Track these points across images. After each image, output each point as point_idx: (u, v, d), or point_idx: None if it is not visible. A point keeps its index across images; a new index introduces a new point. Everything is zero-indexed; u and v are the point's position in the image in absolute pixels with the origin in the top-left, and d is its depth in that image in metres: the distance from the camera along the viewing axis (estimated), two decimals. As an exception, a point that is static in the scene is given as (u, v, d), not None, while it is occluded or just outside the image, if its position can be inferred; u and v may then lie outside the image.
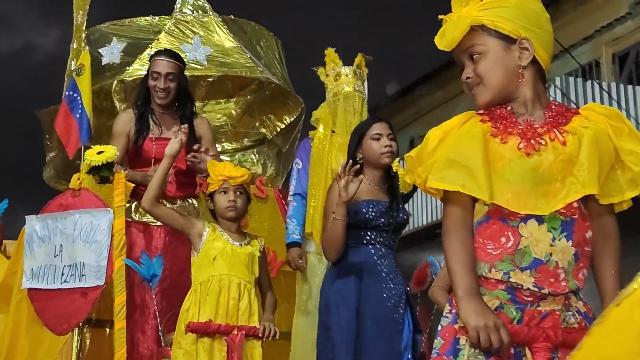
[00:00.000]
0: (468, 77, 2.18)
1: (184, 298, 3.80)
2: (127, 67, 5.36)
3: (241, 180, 3.91)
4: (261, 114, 6.04)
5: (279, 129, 6.05)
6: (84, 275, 4.10)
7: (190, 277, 3.86)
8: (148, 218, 4.29)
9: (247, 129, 6.06)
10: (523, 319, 2.05)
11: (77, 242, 4.16)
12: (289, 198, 4.53)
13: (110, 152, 4.06)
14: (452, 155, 2.06)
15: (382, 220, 3.77)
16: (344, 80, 4.71)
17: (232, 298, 3.71)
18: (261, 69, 5.53)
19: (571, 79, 10.50)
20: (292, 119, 6.00)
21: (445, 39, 2.16)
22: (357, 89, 4.71)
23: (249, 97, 5.93)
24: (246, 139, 6.17)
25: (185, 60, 4.77)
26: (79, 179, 4.35)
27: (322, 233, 3.79)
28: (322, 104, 4.74)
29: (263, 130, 6.05)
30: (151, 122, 4.43)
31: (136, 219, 4.34)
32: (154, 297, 3.93)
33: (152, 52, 5.22)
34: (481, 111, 2.17)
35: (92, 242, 4.12)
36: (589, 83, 10.44)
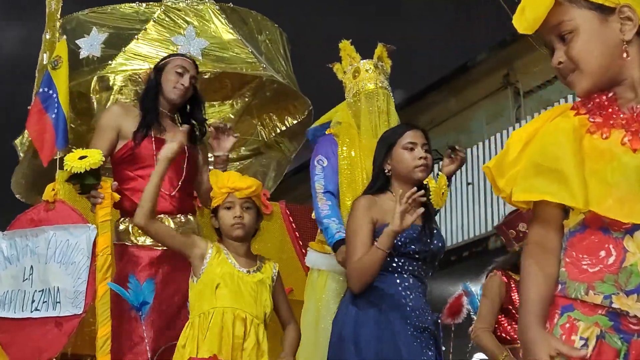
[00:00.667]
0: (560, 62, 2.05)
1: (182, 330, 3.72)
2: (110, 62, 5.23)
3: (249, 193, 3.83)
4: (261, 113, 5.98)
5: (278, 130, 5.99)
6: (59, 302, 4.06)
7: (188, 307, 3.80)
8: (152, 241, 4.18)
9: (245, 135, 5.96)
10: (630, 352, 1.93)
11: (51, 263, 4.13)
12: (319, 196, 4.42)
13: (94, 156, 3.96)
14: (539, 159, 1.96)
15: (413, 247, 3.69)
16: (364, 77, 4.64)
17: (237, 336, 3.61)
18: (264, 66, 5.44)
19: None
20: (296, 122, 5.93)
21: (526, 19, 2.03)
22: (380, 85, 4.64)
23: (247, 97, 5.87)
24: (243, 148, 6.12)
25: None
26: (53, 189, 4.29)
27: (350, 258, 3.68)
28: (340, 106, 4.71)
29: (261, 130, 5.99)
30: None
31: (133, 243, 4.23)
32: (144, 328, 3.82)
33: (140, 45, 5.18)
34: (577, 100, 2.04)
35: (68, 264, 4.08)
36: None
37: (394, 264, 3.68)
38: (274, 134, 6.00)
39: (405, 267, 3.68)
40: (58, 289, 4.05)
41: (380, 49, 4.76)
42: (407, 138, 3.83)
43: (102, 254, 3.96)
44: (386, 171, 3.82)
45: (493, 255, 4.94)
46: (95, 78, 5.39)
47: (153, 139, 4.27)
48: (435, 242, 3.77)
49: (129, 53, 5.23)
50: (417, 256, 3.70)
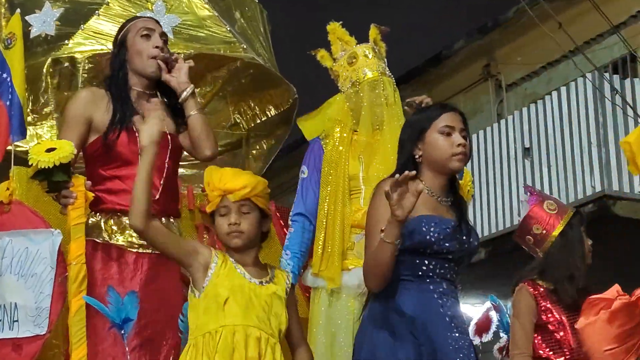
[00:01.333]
0: None
1: (172, 354, 3.72)
2: (66, 41, 5.06)
3: (244, 194, 3.75)
4: (239, 100, 5.87)
5: (258, 120, 5.89)
6: (17, 321, 3.97)
7: (179, 324, 3.77)
8: (125, 239, 4.15)
9: (217, 128, 5.71)
10: None
11: (7, 275, 4.04)
12: (289, 219, 4.53)
13: (64, 149, 3.90)
14: None
15: (447, 245, 3.62)
16: (363, 63, 4.65)
17: (251, 358, 3.53)
18: (244, 47, 5.34)
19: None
20: (279, 112, 5.82)
21: None
22: (382, 71, 4.64)
23: (220, 81, 5.72)
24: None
25: None
26: (8, 188, 4.20)
27: (365, 255, 3.64)
28: (334, 98, 4.70)
29: (238, 119, 5.88)
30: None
31: (105, 241, 4.16)
32: (127, 351, 3.74)
33: (101, 22, 5.04)
34: None
35: (28, 276, 4.00)
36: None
37: (425, 267, 3.63)
38: (253, 124, 5.91)
39: (437, 270, 3.62)
40: (16, 306, 3.97)
41: (374, 32, 4.75)
42: (444, 121, 3.73)
43: (76, 262, 3.87)
44: (416, 157, 3.73)
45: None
46: (49, 61, 5.18)
47: (130, 131, 4.19)
48: (471, 240, 3.72)
49: (89, 31, 5.09)
50: (450, 257, 3.65)
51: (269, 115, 5.88)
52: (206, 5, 5.36)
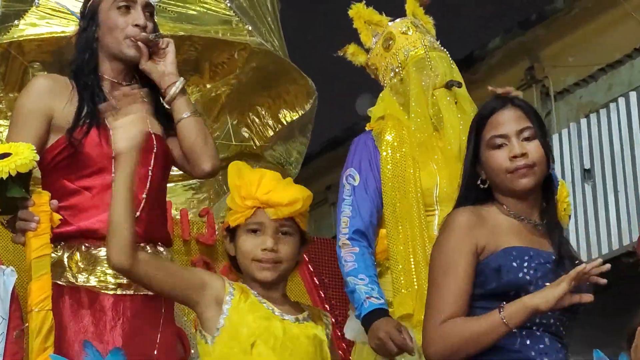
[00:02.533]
0: None
1: None
2: (15, 22, 5.09)
3: (291, 212, 3.65)
4: (241, 105, 5.80)
5: (271, 133, 5.82)
6: None
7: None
8: (97, 278, 4.01)
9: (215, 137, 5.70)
10: None
11: None
12: (342, 240, 4.39)
13: (23, 154, 3.70)
14: None
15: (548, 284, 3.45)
16: (402, 42, 4.60)
17: None
18: (249, 28, 5.31)
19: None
20: (297, 116, 5.79)
21: None
22: (429, 44, 4.61)
23: (220, 81, 5.68)
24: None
25: None
26: None
27: (434, 314, 3.44)
28: (381, 95, 4.64)
29: (246, 133, 5.80)
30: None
31: (70, 283, 4.03)
32: None
33: None
34: None
35: None
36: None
37: None
38: (266, 140, 5.84)
39: (537, 320, 3.44)
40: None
41: (411, 3, 4.73)
42: (492, 129, 3.58)
43: (39, 308, 3.68)
44: (482, 185, 3.62)
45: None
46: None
47: (102, 128, 4.04)
48: None
49: (45, 9, 5.09)
50: None
51: (285, 124, 5.81)
52: (197, -27, 5.43)
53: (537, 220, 3.60)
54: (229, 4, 5.30)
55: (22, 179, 3.73)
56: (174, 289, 3.64)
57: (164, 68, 4.16)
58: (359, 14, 4.68)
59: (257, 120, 5.82)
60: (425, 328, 3.47)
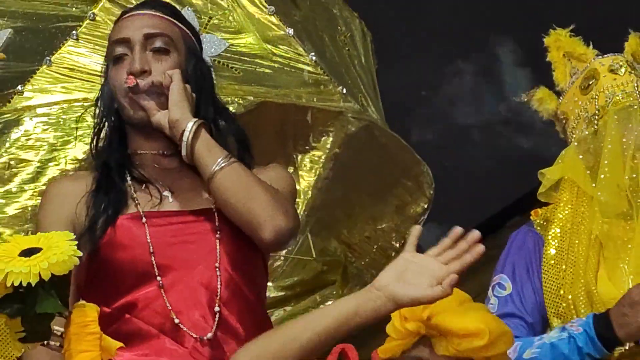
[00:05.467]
0: None
1: None
2: (19, 87, 4.45)
3: (472, 350, 3.18)
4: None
5: (374, 248, 4.98)
6: None
7: None
8: None
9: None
10: None
11: None
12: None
13: (61, 248, 2.96)
14: None
15: None
16: (610, 82, 4.00)
17: None
18: (343, 90, 4.63)
19: None
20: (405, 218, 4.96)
21: None
22: None
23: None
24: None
25: None
26: None
27: None
28: (559, 156, 4.11)
29: (338, 250, 4.98)
30: (131, 182, 3.68)
31: None
32: None
33: (82, 51, 4.57)
34: None
35: None
36: None
37: None
38: (366, 259, 5.01)
39: None
40: None
41: (634, 42, 4.16)
42: None
43: None
44: None
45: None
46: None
47: (145, 218, 3.55)
48: None
49: (60, 68, 4.55)
50: None
51: (394, 239, 5.04)
52: (273, 18, 4.75)
53: None
54: (313, 58, 4.64)
55: (57, 286, 2.94)
56: None
57: (169, 114, 3.59)
58: (559, 43, 4.12)
59: (355, 232, 5.00)
60: None
